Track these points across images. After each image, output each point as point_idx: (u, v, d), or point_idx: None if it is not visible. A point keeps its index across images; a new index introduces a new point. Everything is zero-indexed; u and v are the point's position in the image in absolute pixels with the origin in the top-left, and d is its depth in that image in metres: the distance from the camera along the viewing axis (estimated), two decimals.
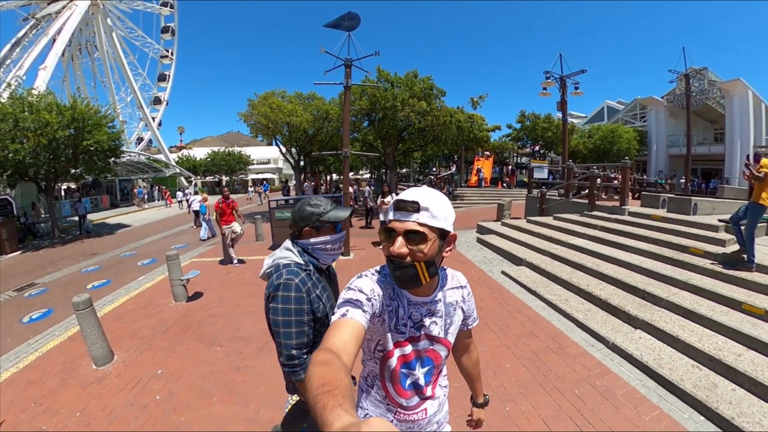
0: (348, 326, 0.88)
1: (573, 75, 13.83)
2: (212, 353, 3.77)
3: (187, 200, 20.26)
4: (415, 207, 0.95)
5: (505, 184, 25.63)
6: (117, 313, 5.03)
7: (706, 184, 22.77)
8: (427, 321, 1.07)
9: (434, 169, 37.19)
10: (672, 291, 4.31)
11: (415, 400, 1.11)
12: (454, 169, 29.21)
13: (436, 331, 1.09)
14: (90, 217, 16.30)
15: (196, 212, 13.49)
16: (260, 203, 25.52)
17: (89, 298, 3.57)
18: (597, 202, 8.73)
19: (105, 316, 4.82)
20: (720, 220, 5.64)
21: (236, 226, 7.42)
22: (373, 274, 1.08)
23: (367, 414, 1.14)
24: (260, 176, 45.53)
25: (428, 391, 1.12)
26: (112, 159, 14.09)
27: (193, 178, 35.01)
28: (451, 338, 1.14)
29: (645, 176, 24.04)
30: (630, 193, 8.67)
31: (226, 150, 41.10)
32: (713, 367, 3.08)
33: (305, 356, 1.36)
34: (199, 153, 43.25)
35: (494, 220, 10.53)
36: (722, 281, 4.26)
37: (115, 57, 32.98)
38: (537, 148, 28.89)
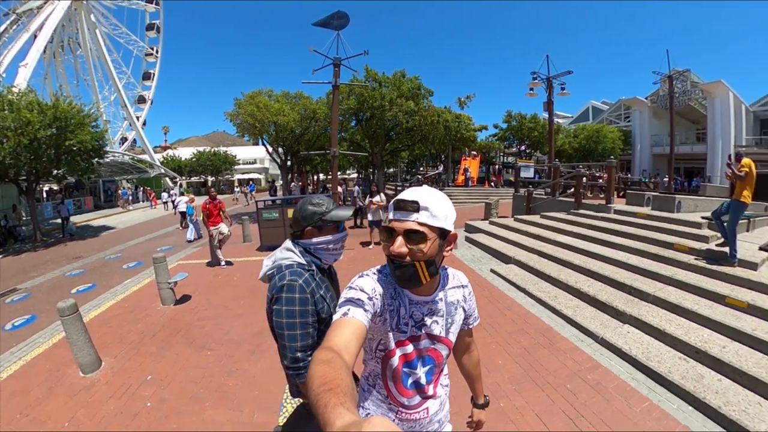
0: (349, 325, 0.88)
1: (559, 76, 14.06)
2: (202, 357, 3.71)
3: (173, 201, 19.93)
4: (414, 206, 0.95)
5: (492, 184, 25.89)
6: (103, 318, 4.91)
7: (688, 182, 23.39)
8: (428, 320, 1.08)
9: (421, 168, 37.30)
10: (658, 286, 4.42)
11: (417, 399, 1.11)
12: (441, 168, 29.36)
13: (438, 330, 1.09)
14: (73, 219, 15.88)
15: (183, 213, 13.25)
16: (246, 204, 25.23)
17: (75, 303, 3.47)
18: (583, 201, 8.89)
19: (91, 321, 4.70)
20: (703, 218, 5.81)
21: (223, 228, 7.32)
22: (374, 274, 1.07)
23: (369, 414, 1.13)
24: (246, 176, 45.00)
25: (430, 390, 1.13)
26: (96, 159, 13.76)
27: (178, 179, 34.39)
28: (452, 337, 1.14)
29: (629, 175, 24.57)
30: (615, 192, 8.85)
31: (212, 150, 40.49)
32: (700, 359, 3.18)
33: (310, 358, 1.33)
34: (184, 153, 42.35)
35: (482, 219, 10.63)
36: (706, 276, 4.40)
37: (98, 54, 32.12)
38: (523, 147, 29.30)
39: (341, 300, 0.98)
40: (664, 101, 18.94)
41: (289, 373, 1.32)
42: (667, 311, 3.95)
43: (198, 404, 2.93)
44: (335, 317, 0.94)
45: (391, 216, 1.00)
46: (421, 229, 0.94)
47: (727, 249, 4.53)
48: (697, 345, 3.25)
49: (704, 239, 5.24)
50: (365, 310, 0.94)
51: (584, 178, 9.79)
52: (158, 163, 32.23)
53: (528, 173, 19.49)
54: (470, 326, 1.28)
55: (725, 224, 4.58)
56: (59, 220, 14.74)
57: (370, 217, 8.90)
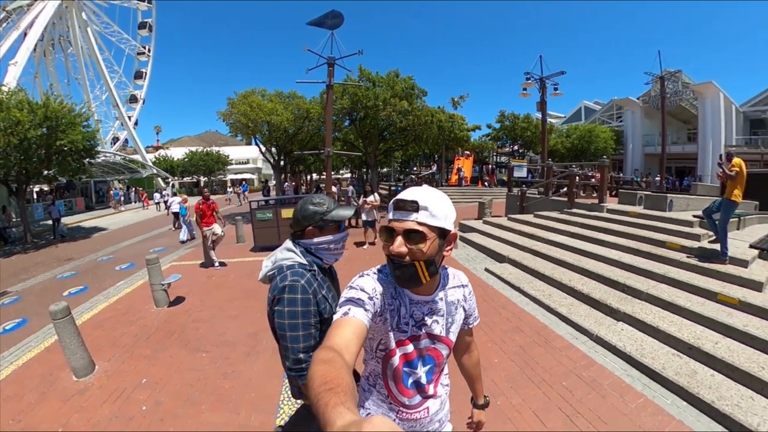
0: (350, 325, 0.89)
1: (552, 76, 14.16)
2: (197, 359, 3.67)
3: (165, 202, 19.71)
4: (414, 206, 0.95)
5: (485, 183, 26.01)
6: (96, 320, 4.84)
7: (680, 181, 23.73)
8: (428, 320, 1.08)
9: (415, 168, 37.35)
10: (651, 284, 4.47)
11: (418, 398, 1.11)
12: (434, 168, 29.42)
13: (438, 330, 1.10)
14: (64, 220, 15.59)
15: (176, 214, 13.13)
16: (239, 204, 25.07)
17: (67, 306, 3.42)
18: (576, 200, 8.97)
19: (84, 324, 4.63)
20: (695, 216, 5.89)
21: (217, 228, 7.26)
22: (374, 273, 1.07)
23: (370, 414, 1.13)
24: (239, 176, 44.69)
25: (430, 390, 1.13)
26: (87, 159, 13.54)
27: (170, 179, 34.09)
28: (453, 337, 1.14)
29: (621, 174, 24.85)
30: (608, 191, 8.94)
31: (204, 150, 40.11)
32: (693, 355, 3.23)
33: None
34: (177, 153, 41.94)
35: (476, 219, 10.67)
36: (698, 274, 4.46)
37: (89, 53, 31.71)
38: (516, 147, 29.44)
39: (342, 299, 0.98)
40: (655, 101, 19.21)
41: (291, 374, 1.31)
42: (660, 308, 3.99)
43: (194, 407, 2.90)
44: (336, 317, 0.94)
45: (390, 216, 1.00)
46: (421, 228, 0.94)
47: (718, 246, 4.60)
48: (690, 341, 3.30)
49: (696, 237, 5.31)
50: (366, 310, 0.94)
51: (577, 178, 9.87)
52: (150, 164, 31.92)
53: (521, 173, 19.61)
54: (470, 326, 1.28)
55: (716, 222, 4.65)
56: (50, 222, 14.47)
57: (364, 216, 8.88)
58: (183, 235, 11.17)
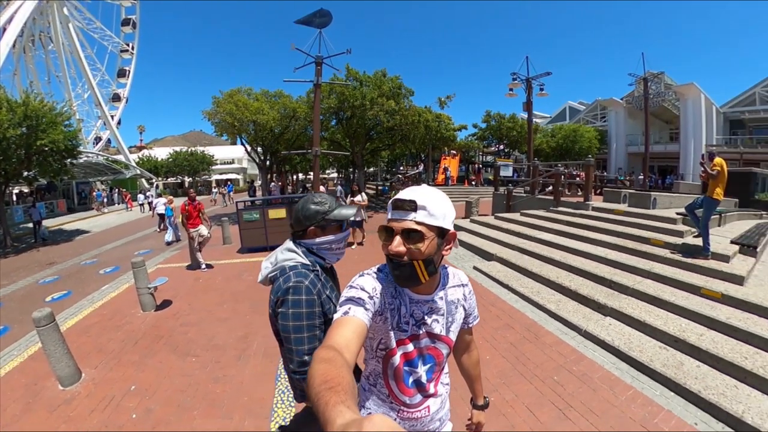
0: (350, 324, 0.89)
1: (538, 77, 14.39)
2: (187, 364, 3.60)
3: (149, 203, 19.28)
4: (412, 206, 0.94)
5: (471, 183, 26.24)
6: (81, 326, 4.70)
7: (662, 180, 24.36)
8: (428, 319, 1.08)
9: (401, 168, 37.39)
10: (637, 279, 4.58)
11: (418, 397, 1.12)
12: (421, 167, 29.53)
13: (438, 329, 1.10)
14: (45, 223, 15.13)
15: (161, 215, 12.89)
16: (225, 205, 24.75)
17: (51, 312, 3.30)
18: (562, 199, 9.12)
19: (68, 330, 4.49)
20: (678, 213, 6.05)
21: (203, 230, 7.14)
22: (374, 273, 1.07)
23: (370, 413, 1.12)
24: (224, 177, 44.01)
25: (431, 389, 1.13)
26: (69, 160, 13.12)
27: (154, 180, 33.39)
28: (453, 336, 1.15)
29: (605, 173, 25.40)
30: (593, 190, 9.12)
31: (189, 150, 39.31)
32: (679, 347, 3.32)
33: None
34: (161, 153, 40.97)
35: (463, 218, 10.76)
36: (682, 269, 4.58)
37: (71, 50, 30.68)
38: (502, 147, 29.78)
39: (342, 299, 0.98)
40: (639, 102, 19.67)
41: (295, 377, 1.28)
42: (646, 303, 4.10)
43: (186, 413, 2.84)
44: (336, 316, 0.94)
45: (389, 215, 0.99)
46: (419, 228, 0.94)
47: (700, 242, 4.74)
48: (675, 334, 3.39)
49: (679, 234, 5.46)
50: (366, 309, 0.94)
51: (562, 177, 10.04)
52: (134, 164, 31.16)
53: (507, 172, 19.86)
54: (470, 325, 1.28)
55: (699, 217, 4.79)
56: (30, 225, 14.01)
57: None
58: (169, 236, 10.97)
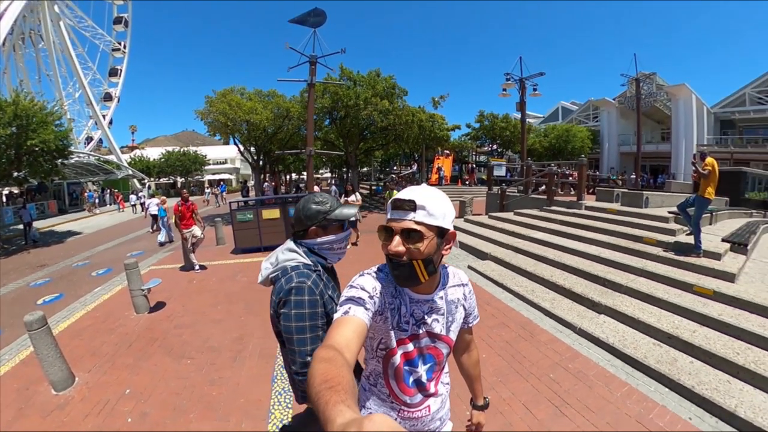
0: (351, 323, 0.89)
1: (532, 77, 14.43)
2: (183, 367, 3.57)
3: (142, 204, 19.05)
4: (411, 206, 0.95)
5: (465, 182, 26.34)
6: (74, 329, 4.64)
7: (654, 179, 24.68)
8: (428, 318, 1.08)
9: (395, 167, 37.41)
10: (630, 278, 4.63)
11: (419, 397, 1.12)
12: (415, 167, 29.61)
13: (438, 328, 1.10)
14: (36, 224, 14.89)
15: (154, 216, 12.76)
16: (218, 205, 24.56)
17: (43, 315, 3.25)
18: (555, 198, 9.19)
19: (61, 333, 4.43)
20: (670, 212, 6.13)
21: (197, 230, 7.08)
22: (374, 272, 1.07)
23: (371, 413, 1.12)
24: (217, 177, 43.67)
25: (431, 388, 1.13)
26: (60, 160, 12.97)
27: (146, 180, 33.04)
28: (453, 336, 1.15)
29: (598, 173, 25.62)
30: (585, 189, 9.20)
31: (181, 150, 38.91)
32: (672, 344, 3.37)
33: None
34: (153, 153, 40.41)
35: (457, 217, 10.78)
36: (674, 267, 4.64)
37: (62, 48, 30.14)
38: (495, 146, 29.94)
39: (342, 298, 0.98)
40: (631, 102, 19.86)
41: (297, 378, 1.27)
42: (639, 301, 4.15)
43: (182, 416, 2.82)
44: (336, 315, 0.94)
45: (388, 215, 1.00)
46: (418, 228, 0.94)
47: (692, 240, 4.81)
48: (669, 331, 3.44)
49: (671, 232, 5.53)
50: (366, 309, 0.95)
51: (555, 176, 10.12)
52: (126, 164, 30.76)
53: (500, 172, 19.94)
54: (470, 324, 1.29)
55: (691, 215, 4.86)
56: (21, 226, 13.77)
57: None
58: (162, 237, 10.87)
